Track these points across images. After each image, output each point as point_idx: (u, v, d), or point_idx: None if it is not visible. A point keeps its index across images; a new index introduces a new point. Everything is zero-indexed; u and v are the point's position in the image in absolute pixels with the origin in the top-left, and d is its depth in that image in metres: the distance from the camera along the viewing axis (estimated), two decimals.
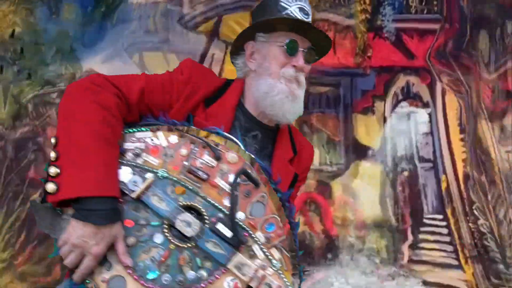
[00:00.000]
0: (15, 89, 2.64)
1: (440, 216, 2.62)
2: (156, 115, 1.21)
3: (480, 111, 2.67)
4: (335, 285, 2.56)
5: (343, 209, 2.63)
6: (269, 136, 1.36)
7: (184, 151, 1.13)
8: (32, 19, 2.66)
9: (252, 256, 1.10)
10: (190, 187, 1.10)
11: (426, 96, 2.67)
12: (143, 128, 1.15)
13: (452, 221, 2.61)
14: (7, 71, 2.65)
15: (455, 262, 2.59)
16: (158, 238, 1.06)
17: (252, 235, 1.11)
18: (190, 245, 1.07)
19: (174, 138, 1.14)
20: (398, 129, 2.67)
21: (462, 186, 2.63)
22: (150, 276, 1.04)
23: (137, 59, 2.63)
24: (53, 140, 1.07)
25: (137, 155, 1.11)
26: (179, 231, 1.07)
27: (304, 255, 2.60)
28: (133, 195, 1.07)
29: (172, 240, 1.07)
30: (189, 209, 1.09)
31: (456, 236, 2.60)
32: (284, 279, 1.11)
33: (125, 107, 1.17)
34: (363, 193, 2.63)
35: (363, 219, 2.62)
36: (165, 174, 1.10)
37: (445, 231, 2.61)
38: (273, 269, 1.11)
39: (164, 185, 1.09)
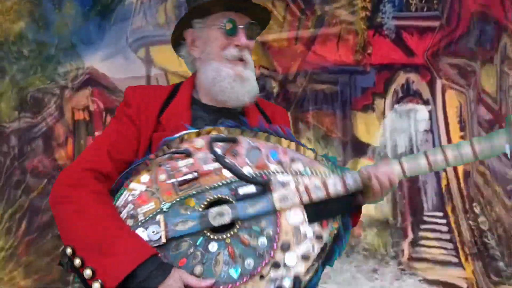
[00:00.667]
0: (19, 82, 2.66)
1: (440, 214, 2.62)
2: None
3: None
4: (334, 282, 2.56)
5: None
6: (237, 118, 1.30)
7: (162, 177, 1.13)
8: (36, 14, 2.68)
9: (285, 184, 1.11)
10: (193, 192, 1.11)
11: (426, 94, 2.67)
12: (116, 196, 1.15)
13: (452, 218, 2.61)
14: (11, 65, 2.67)
15: (455, 260, 2.59)
16: (213, 247, 1.07)
17: (268, 172, 1.12)
18: (238, 226, 1.08)
19: (145, 177, 1.14)
20: (398, 126, 2.67)
21: (462, 184, 2.63)
22: (235, 274, 1.05)
23: (143, 54, 2.64)
24: (69, 250, 1.06)
25: (134, 216, 1.11)
26: (221, 226, 1.08)
27: None
28: (163, 240, 1.08)
29: (223, 237, 1.07)
30: (210, 206, 1.10)
31: (456, 233, 2.60)
32: (320, 173, 1.14)
33: (106, 180, 1.17)
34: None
35: (363, 216, 2.62)
36: (168, 204, 1.10)
37: (445, 228, 2.61)
38: (307, 176, 1.13)
39: (175, 212, 1.10)
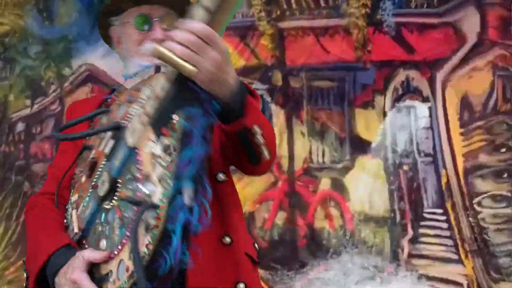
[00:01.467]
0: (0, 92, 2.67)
1: (440, 211, 2.62)
2: None
3: None
4: (334, 279, 2.57)
5: (341, 203, 2.64)
6: None
7: (83, 178, 1.15)
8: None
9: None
10: (97, 175, 1.08)
11: (426, 91, 2.67)
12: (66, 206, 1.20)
13: (452, 215, 2.61)
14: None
15: (455, 257, 2.59)
16: (110, 216, 1.00)
17: (128, 115, 1.05)
18: (119, 185, 0.99)
19: (76, 187, 1.18)
20: (398, 123, 2.67)
21: (462, 180, 2.62)
22: (122, 231, 0.95)
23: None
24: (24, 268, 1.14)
25: (67, 225, 1.16)
26: (111, 194, 1.01)
27: (305, 250, 2.61)
28: (75, 230, 1.09)
29: (113, 203, 0.99)
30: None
31: (456, 230, 2.60)
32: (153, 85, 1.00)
33: (59, 198, 1.19)
34: (362, 188, 2.63)
35: (362, 213, 2.63)
36: (87, 199, 1.10)
37: (445, 225, 2.61)
38: (146, 96, 1.01)
39: (86, 202, 1.11)
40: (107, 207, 1.00)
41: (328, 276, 2.57)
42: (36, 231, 1.15)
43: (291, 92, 2.68)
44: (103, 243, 0.99)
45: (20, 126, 2.70)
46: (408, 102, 2.67)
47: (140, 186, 0.92)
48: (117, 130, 1.04)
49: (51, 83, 2.69)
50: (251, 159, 1.07)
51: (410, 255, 2.59)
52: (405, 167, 2.64)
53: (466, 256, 2.59)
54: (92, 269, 0.98)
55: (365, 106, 2.68)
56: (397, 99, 2.68)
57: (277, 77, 2.67)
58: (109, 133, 1.08)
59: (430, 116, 2.66)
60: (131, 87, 1.17)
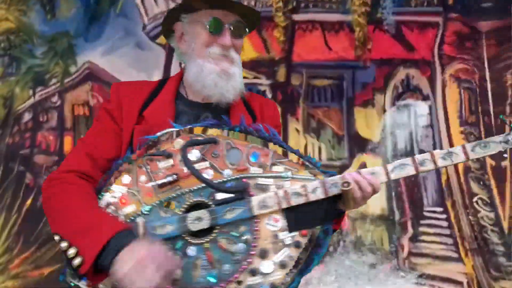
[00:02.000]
0: (5, 88, 2.67)
1: (440, 209, 2.62)
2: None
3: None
4: (334, 277, 2.56)
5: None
6: (221, 115, 1.28)
7: (142, 178, 1.12)
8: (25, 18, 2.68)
9: (264, 188, 1.11)
10: (174, 195, 1.10)
11: (426, 89, 2.67)
12: (99, 197, 1.15)
13: (452, 214, 2.61)
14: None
15: (455, 255, 2.59)
16: (192, 251, 1.07)
17: (248, 175, 1.11)
18: (217, 230, 1.07)
19: (126, 178, 1.13)
20: (398, 121, 2.67)
21: (462, 179, 2.62)
22: (213, 279, 1.05)
23: (164, 41, 2.63)
24: (56, 237, 1.08)
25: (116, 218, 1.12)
26: (200, 230, 1.07)
27: None
28: None
29: (201, 241, 1.07)
30: (190, 209, 1.10)
31: (456, 229, 2.60)
32: (301, 176, 1.13)
33: (89, 178, 1.18)
34: None
35: (362, 212, 2.62)
36: (147, 207, 1.10)
37: (445, 224, 2.61)
38: (287, 180, 1.11)
39: (155, 215, 1.09)
40: (191, 240, 1.06)
41: (327, 275, 2.57)
42: (81, 206, 1.10)
43: (291, 89, 2.68)
44: (178, 273, 1.04)
45: (26, 116, 2.70)
46: (408, 101, 2.67)
47: (255, 256, 1.06)
48: (241, 194, 1.09)
49: (53, 77, 2.68)
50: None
51: (410, 254, 2.59)
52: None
53: (466, 255, 2.59)
54: None
55: (365, 105, 2.68)
56: (397, 97, 2.68)
57: (281, 73, 2.66)
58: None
59: (430, 114, 2.66)
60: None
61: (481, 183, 2.62)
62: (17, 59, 2.68)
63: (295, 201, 1.09)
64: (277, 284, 1.05)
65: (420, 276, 2.57)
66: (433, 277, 2.57)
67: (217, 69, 1.25)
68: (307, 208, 1.10)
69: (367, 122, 2.67)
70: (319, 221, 1.11)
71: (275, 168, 1.12)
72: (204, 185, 1.09)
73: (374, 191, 1.14)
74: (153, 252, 1.00)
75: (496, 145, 1.15)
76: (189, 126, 1.16)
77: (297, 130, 2.66)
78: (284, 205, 1.08)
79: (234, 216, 1.07)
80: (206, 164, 1.11)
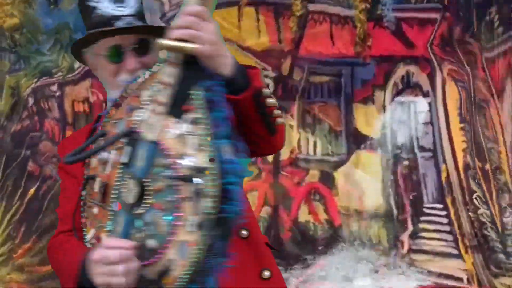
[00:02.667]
0: (13, 80, 2.67)
1: (440, 206, 2.62)
2: None
3: (489, 96, 2.66)
4: (334, 274, 2.57)
5: (345, 199, 2.64)
6: None
7: (94, 210, 1.14)
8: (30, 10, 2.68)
9: (146, 119, 1.04)
10: (114, 196, 1.09)
11: (426, 86, 2.67)
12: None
13: (452, 210, 2.61)
14: (4, 62, 2.68)
15: (455, 252, 2.60)
16: (148, 217, 1.02)
17: (133, 122, 1.06)
18: (147, 183, 1.02)
19: (89, 222, 1.17)
20: (398, 118, 2.67)
21: (462, 176, 2.63)
22: (168, 219, 0.98)
23: None
24: None
25: None
26: (142, 197, 1.03)
27: (306, 244, 2.61)
28: None
29: (147, 203, 1.02)
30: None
31: (456, 225, 2.60)
32: (159, 79, 1.03)
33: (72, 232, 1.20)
34: (363, 183, 2.63)
35: (362, 208, 2.63)
36: (109, 224, 1.09)
37: (445, 220, 2.61)
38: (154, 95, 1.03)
39: (115, 224, 1.08)
40: (141, 211, 1.01)
41: (326, 272, 2.58)
42: (63, 258, 1.15)
43: (291, 85, 2.68)
44: (152, 242, 0.99)
45: (30, 101, 2.70)
46: (408, 97, 2.67)
47: (179, 162, 0.95)
48: (128, 136, 1.04)
49: (60, 71, 2.69)
50: (269, 127, 1.08)
51: (410, 250, 2.59)
52: (405, 162, 2.64)
53: (466, 251, 2.59)
54: (142, 275, 0.98)
55: (365, 101, 2.68)
56: (397, 94, 2.68)
57: (286, 66, 2.66)
58: (113, 152, 1.08)
59: (430, 111, 2.66)
60: (125, 101, 1.13)
61: (476, 180, 2.63)
62: (25, 57, 2.69)
63: (166, 98, 1.00)
64: (204, 164, 0.94)
65: (420, 272, 2.58)
66: (433, 274, 2.57)
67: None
68: (178, 92, 1.00)
69: (367, 119, 2.67)
70: (188, 86, 0.98)
71: (144, 97, 1.05)
72: (119, 171, 1.06)
73: (197, 19, 0.94)
74: (102, 252, 0.99)
75: None
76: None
77: (291, 126, 2.65)
78: (162, 110, 0.99)
79: (144, 160, 1.01)
80: (111, 155, 1.09)
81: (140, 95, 1.07)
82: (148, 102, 1.04)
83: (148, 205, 1.01)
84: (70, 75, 2.68)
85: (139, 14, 1.22)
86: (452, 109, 2.66)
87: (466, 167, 2.63)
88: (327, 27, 2.69)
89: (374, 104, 2.68)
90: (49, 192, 2.63)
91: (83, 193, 1.15)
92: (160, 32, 1.19)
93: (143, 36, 1.21)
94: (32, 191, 2.64)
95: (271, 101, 1.05)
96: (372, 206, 2.63)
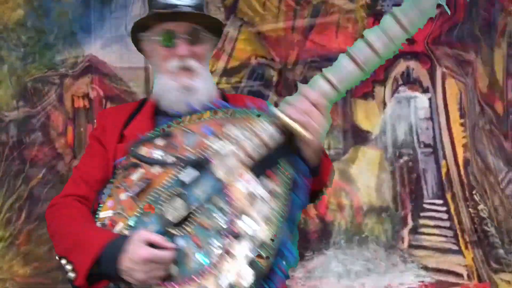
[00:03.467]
0: (17, 70, 2.67)
1: (440, 201, 2.62)
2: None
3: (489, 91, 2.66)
4: (334, 270, 2.57)
5: (344, 195, 2.64)
6: None
7: (122, 196, 1.12)
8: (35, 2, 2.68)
9: (226, 154, 1.08)
10: (151, 198, 1.09)
11: (426, 81, 2.67)
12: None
13: (452, 206, 2.61)
14: (10, 53, 2.68)
15: (455, 247, 2.59)
16: (180, 242, 1.04)
17: (206, 149, 1.09)
18: (195, 212, 1.04)
19: (109, 203, 1.14)
20: (398, 114, 2.67)
21: (462, 171, 2.62)
22: (205, 259, 1.01)
23: None
24: (57, 257, 1.12)
25: None
26: (183, 220, 1.05)
27: (306, 242, 2.61)
28: None
29: (186, 230, 1.05)
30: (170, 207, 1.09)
31: (456, 221, 2.60)
32: (257, 130, 1.06)
33: (86, 200, 1.22)
34: (363, 178, 2.63)
35: (363, 204, 2.63)
36: (133, 219, 1.09)
37: (445, 216, 2.61)
38: (245, 138, 1.07)
39: (141, 224, 1.08)
40: (176, 233, 1.04)
41: (325, 268, 2.58)
42: (77, 225, 1.14)
43: (293, 84, 2.68)
44: (174, 268, 1.01)
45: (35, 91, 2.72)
46: (408, 93, 2.67)
47: (235, 220, 1.00)
48: (200, 164, 1.07)
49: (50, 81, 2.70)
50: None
51: (410, 246, 2.59)
52: (405, 158, 2.64)
53: (466, 247, 2.59)
54: None
55: (365, 97, 2.68)
56: (397, 89, 2.68)
57: (292, 58, 2.66)
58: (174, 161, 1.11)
59: (430, 107, 2.66)
60: (203, 118, 1.16)
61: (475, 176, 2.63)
62: (32, 53, 2.70)
63: (258, 154, 1.04)
64: (266, 240, 0.99)
65: (420, 268, 2.58)
66: (433, 269, 2.57)
67: (177, 86, 1.25)
68: (269, 156, 1.05)
69: (367, 114, 2.67)
70: (280, 158, 1.04)
71: (230, 133, 1.09)
72: (172, 178, 1.08)
73: (320, 109, 1.01)
74: (153, 251, 1.01)
75: None
76: (147, 135, 1.16)
77: None
78: (248, 162, 1.04)
79: (204, 191, 1.04)
80: (172, 159, 1.11)
81: (224, 125, 1.11)
82: (234, 142, 1.07)
83: (186, 232, 1.03)
84: (71, 71, 2.69)
85: (197, 6, 1.29)
86: (452, 104, 2.66)
87: (466, 162, 2.63)
88: (336, 18, 2.69)
89: (374, 99, 2.68)
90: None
91: (118, 171, 1.16)
92: (214, 23, 1.32)
93: (197, 25, 1.27)
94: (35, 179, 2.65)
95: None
96: (372, 202, 2.62)
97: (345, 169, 2.63)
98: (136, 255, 0.99)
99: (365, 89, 2.68)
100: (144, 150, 1.14)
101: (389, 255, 2.60)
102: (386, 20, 1.02)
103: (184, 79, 1.25)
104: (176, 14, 1.25)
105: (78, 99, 2.66)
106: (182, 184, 1.07)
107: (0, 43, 2.69)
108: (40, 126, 2.67)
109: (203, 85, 1.28)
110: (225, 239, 1.00)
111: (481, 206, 2.61)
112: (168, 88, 1.26)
